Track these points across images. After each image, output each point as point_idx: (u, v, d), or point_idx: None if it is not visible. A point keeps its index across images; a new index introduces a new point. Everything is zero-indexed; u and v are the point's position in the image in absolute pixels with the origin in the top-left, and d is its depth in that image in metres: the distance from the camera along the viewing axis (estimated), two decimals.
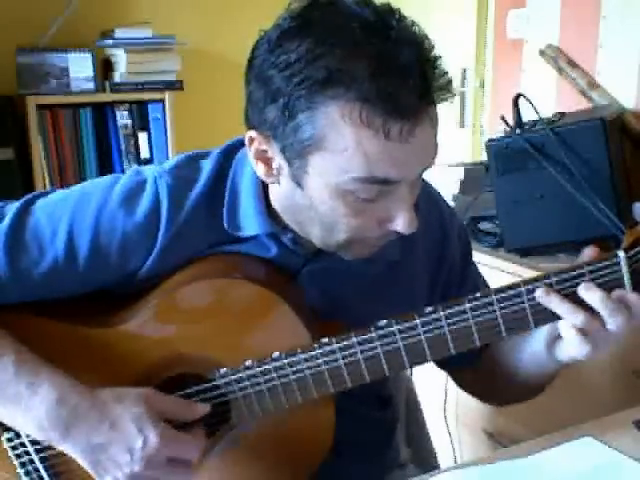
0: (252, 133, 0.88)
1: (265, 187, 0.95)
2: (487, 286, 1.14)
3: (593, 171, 1.57)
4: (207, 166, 0.97)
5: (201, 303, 0.93)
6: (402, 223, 0.87)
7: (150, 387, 0.92)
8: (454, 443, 1.78)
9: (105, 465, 0.88)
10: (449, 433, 1.77)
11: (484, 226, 1.87)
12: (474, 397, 1.17)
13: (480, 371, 1.11)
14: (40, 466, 0.97)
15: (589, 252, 0.89)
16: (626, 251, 0.86)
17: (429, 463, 1.30)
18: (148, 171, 0.97)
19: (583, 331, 0.86)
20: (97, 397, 0.88)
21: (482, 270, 1.16)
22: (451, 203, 1.93)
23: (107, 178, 0.98)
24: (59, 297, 0.97)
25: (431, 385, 1.57)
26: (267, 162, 0.89)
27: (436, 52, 0.83)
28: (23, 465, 0.97)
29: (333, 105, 0.79)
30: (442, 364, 1.11)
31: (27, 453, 0.96)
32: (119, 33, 2.56)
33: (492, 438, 1.83)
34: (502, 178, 1.69)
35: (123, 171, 1.00)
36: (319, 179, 0.84)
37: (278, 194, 0.93)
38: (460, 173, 2.01)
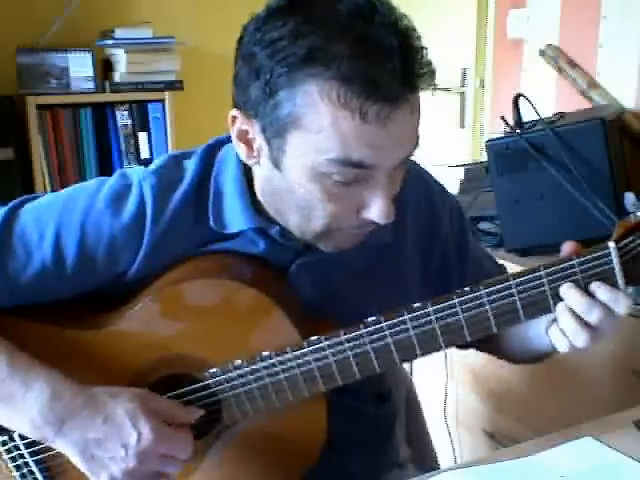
0: (235, 112, 0.88)
1: (250, 183, 0.95)
2: (495, 263, 1.14)
3: (593, 171, 1.57)
4: (191, 166, 0.98)
5: (189, 304, 0.93)
6: (378, 212, 0.86)
7: (143, 388, 0.92)
8: (454, 443, 1.78)
9: (100, 461, 0.88)
10: (449, 433, 1.77)
11: (484, 226, 1.87)
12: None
13: (483, 346, 1.12)
14: (35, 469, 0.96)
15: (568, 248, 0.88)
16: (616, 242, 0.85)
17: (429, 463, 1.30)
18: (134, 174, 0.98)
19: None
20: (91, 393, 0.89)
21: None
22: None
23: (93, 181, 0.99)
24: (50, 300, 0.97)
25: (431, 385, 1.58)
26: (248, 143, 0.89)
27: (422, 43, 0.82)
28: (18, 468, 0.97)
29: (312, 84, 0.79)
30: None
31: (22, 456, 0.96)
32: (119, 33, 2.56)
33: (492, 438, 1.83)
34: (502, 178, 1.69)
35: None
36: (296, 160, 0.84)
37: (259, 178, 0.93)
38: (460, 173, 2.01)
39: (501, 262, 1.67)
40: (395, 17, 0.82)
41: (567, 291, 0.86)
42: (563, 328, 0.87)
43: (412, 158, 1.09)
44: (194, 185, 0.96)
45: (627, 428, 0.98)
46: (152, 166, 0.99)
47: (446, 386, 1.71)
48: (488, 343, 1.13)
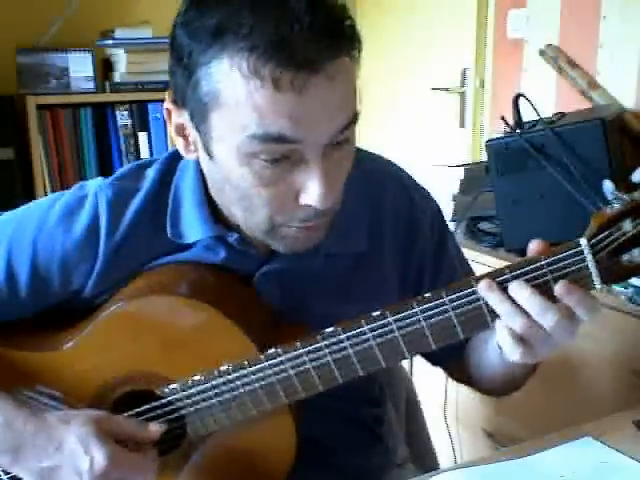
0: (168, 105, 0.86)
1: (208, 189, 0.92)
2: (471, 273, 1.07)
3: (593, 171, 1.57)
4: (150, 174, 0.95)
5: (146, 320, 0.90)
6: (315, 194, 0.80)
7: (103, 407, 0.90)
8: (454, 443, 1.78)
9: None
10: (449, 433, 1.77)
11: (484, 226, 1.87)
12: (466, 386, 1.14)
13: (460, 364, 1.07)
14: None
15: (534, 246, 0.81)
16: (590, 239, 0.78)
17: (429, 463, 1.29)
18: (91, 185, 0.95)
19: (520, 335, 0.79)
20: (43, 420, 0.86)
21: (481, 270, 1.14)
22: (451, 203, 1.95)
23: (49, 197, 0.97)
24: (6, 321, 0.95)
25: (431, 385, 1.57)
26: (185, 136, 0.87)
27: (339, 2, 0.79)
28: None
29: (224, 56, 0.76)
30: (429, 359, 1.08)
31: None
32: (119, 33, 2.57)
33: (492, 438, 1.83)
34: (502, 178, 1.69)
35: None
36: (222, 144, 0.81)
37: (206, 175, 0.90)
38: (460, 173, 2.01)
39: (501, 262, 1.67)
40: None
41: (518, 290, 0.78)
42: (512, 331, 0.79)
43: (397, 164, 1.05)
44: (151, 194, 0.93)
45: (627, 428, 0.98)
46: (112, 176, 0.96)
47: (446, 386, 1.71)
48: (458, 375, 1.10)
